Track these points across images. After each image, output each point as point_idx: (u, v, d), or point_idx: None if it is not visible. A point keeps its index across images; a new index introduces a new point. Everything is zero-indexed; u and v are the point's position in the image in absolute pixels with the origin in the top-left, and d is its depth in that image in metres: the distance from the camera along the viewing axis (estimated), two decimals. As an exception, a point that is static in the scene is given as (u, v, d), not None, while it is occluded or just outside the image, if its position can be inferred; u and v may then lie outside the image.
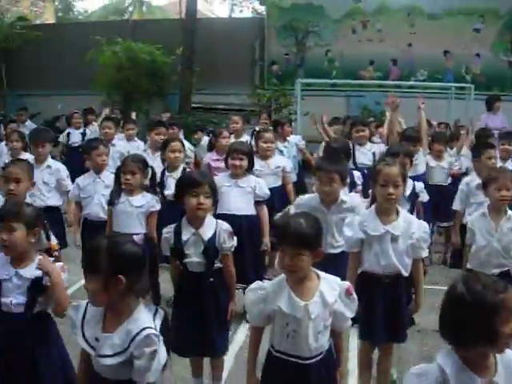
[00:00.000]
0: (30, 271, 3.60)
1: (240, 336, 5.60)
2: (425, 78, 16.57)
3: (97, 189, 6.34)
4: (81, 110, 12.45)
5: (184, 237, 4.27)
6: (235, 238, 4.42)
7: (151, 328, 2.81)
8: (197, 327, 4.27)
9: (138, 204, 5.66)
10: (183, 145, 7.00)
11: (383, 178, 4.28)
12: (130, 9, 33.65)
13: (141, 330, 2.78)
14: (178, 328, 4.07)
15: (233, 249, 4.39)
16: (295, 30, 16.99)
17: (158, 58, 15.31)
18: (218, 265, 4.34)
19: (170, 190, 6.13)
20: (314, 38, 16.92)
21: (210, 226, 4.31)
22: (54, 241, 4.23)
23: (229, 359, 4.97)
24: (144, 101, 15.22)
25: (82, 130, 11.67)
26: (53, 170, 6.92)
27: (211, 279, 4.30)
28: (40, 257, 3.69)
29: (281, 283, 3.34)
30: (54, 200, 6.84)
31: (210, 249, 4.25)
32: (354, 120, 8.98)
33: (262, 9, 22.95)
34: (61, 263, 3.77)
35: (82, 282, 2.91)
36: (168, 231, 4.33)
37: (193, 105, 15.43)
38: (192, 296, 4.30)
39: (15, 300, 3.55)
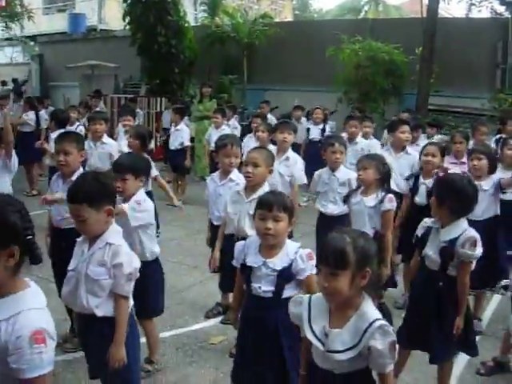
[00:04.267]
0: (280, 262, 3.70)
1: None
2: None
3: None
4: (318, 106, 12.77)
5: None
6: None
7: (382, 320, 2.82)
8: None
9: (371, 204, 5.63)
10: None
11: None
12: (366, 8, 33.87)
13: (371, 323, 2.80)
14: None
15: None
16: (541, 32, 16.01)
17: (397, 58, 15.18)
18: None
19: (421, 198, 6.26)
20: (561, 40, 15.84)
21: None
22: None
23: None
24: (380, 100, 15.20)
25: (321, 126, 11.97)
26: None
27: None
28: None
29: None
30: None
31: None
32: None
33: (501, 9, 21.97)
34: None
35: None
36: None
37: (430, 107, 15.11)
38: None
39: (264, 287, 3.70)
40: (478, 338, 4.90)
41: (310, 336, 2.97)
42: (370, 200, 5.62)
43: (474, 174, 5.87)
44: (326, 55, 15.42)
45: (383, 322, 2.81)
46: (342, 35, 15.52)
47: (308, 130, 12.10)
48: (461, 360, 5.03)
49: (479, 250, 4.21)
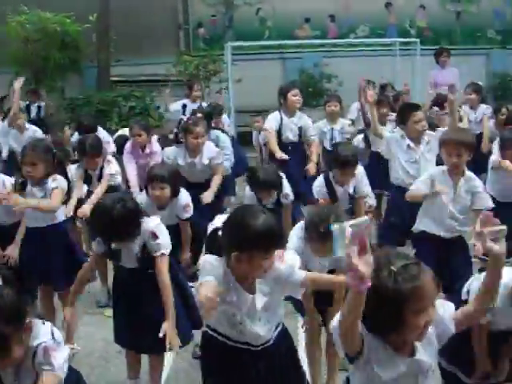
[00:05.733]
0: None
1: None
2: (366, 34, 15.79)
3: None
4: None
5: None
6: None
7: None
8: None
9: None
10: None
11: None
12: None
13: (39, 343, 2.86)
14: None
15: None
16: (221, -13, 15.85)
17: (70, 28, 13.75)
18: None
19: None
20: (242, -5, 15.77)
21: None
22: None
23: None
24: (58, 77, 13.73)
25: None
26: None
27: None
28: None
29: None
30: None
31: None
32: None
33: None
34: None
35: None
36: None
37: (112, 78, 14.09)
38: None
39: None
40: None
41: None
42: None
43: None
44: (-11, 31, 13.56)
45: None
46: (3, 6, 13.74)
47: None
48: None
49: None
